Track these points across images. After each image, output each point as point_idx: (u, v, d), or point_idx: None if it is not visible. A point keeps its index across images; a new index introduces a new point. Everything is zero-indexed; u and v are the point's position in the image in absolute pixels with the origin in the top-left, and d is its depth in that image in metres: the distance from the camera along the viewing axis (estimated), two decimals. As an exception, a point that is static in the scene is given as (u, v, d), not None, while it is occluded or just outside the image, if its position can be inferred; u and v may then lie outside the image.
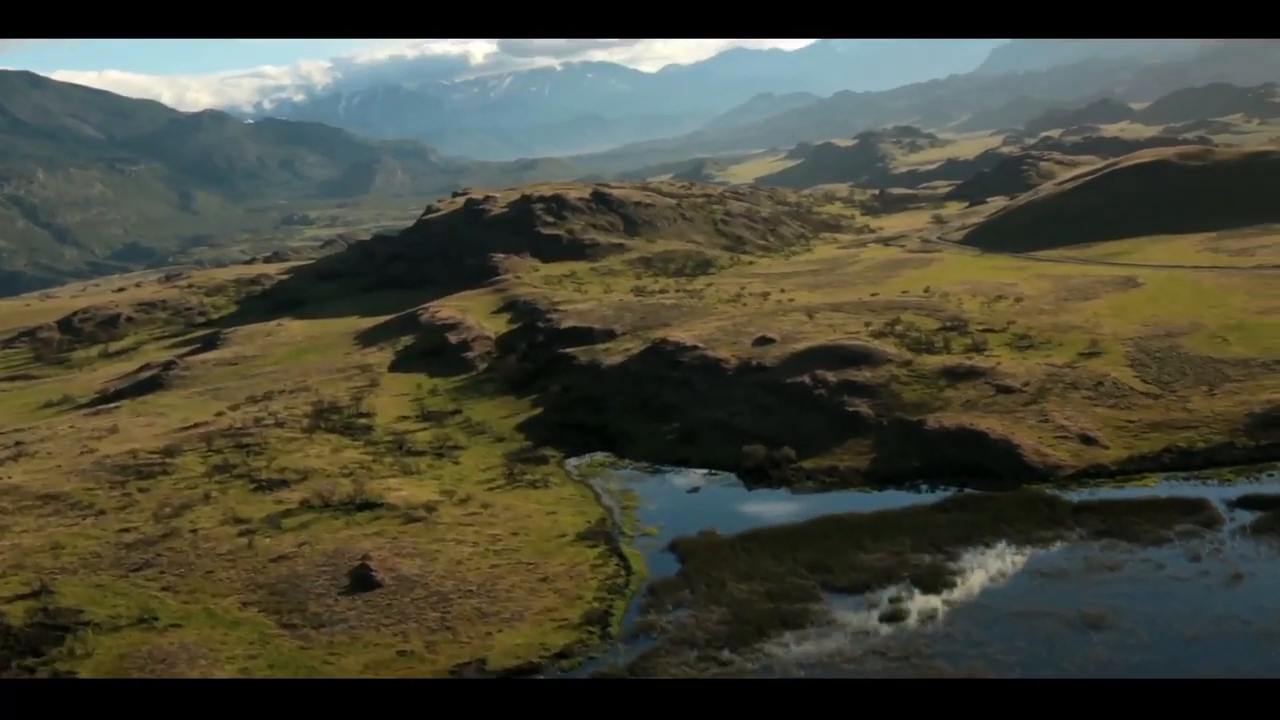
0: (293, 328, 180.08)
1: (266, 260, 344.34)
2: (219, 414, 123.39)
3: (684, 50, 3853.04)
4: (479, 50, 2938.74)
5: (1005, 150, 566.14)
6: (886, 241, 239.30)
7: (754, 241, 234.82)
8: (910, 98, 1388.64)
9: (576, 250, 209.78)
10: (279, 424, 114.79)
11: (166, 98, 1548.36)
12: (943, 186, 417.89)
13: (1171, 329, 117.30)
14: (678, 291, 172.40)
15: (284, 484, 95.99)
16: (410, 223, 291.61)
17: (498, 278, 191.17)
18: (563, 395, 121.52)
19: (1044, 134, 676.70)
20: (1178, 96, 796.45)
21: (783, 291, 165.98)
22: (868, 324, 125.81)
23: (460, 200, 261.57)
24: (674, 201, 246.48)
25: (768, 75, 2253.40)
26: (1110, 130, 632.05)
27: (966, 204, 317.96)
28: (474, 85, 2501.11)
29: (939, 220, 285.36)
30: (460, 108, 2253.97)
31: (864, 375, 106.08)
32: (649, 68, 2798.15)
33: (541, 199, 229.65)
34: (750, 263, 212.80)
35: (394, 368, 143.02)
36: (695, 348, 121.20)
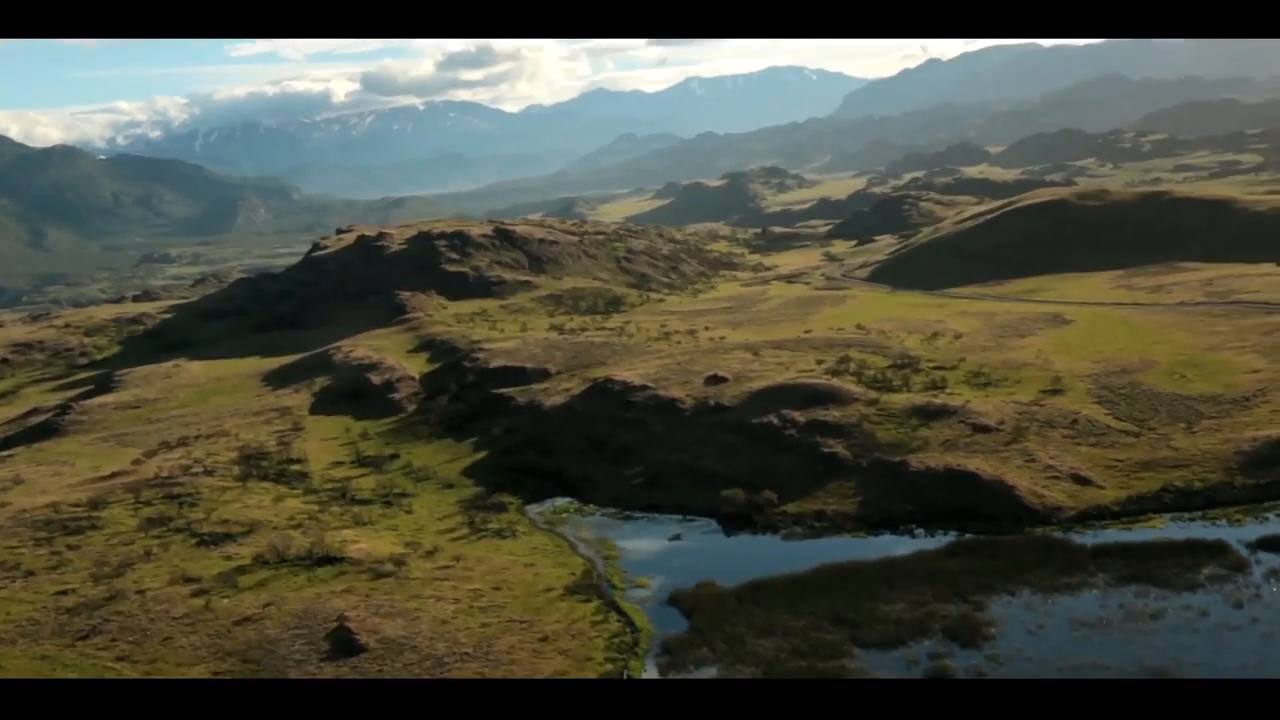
0: (192, 369, 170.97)
1: (136, 299, 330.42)
2: (136, 462, 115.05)
3: (546, 90, 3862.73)
4: (340, 88, 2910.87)
5: (877, 191, 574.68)
6: (789, 279, 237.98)
7: (658, 279, 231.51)
8: (770, 140, 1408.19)
9: (483, 288, 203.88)
10: (208, 472, 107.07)
11: (14, 132, 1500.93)
12: (821, 225, 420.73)
13: (1125, 366, 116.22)
14: (598, 329, 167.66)
15: (229, 538, 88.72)
16: (280, 261, 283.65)
17: (407, 316, 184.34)
18: (506, 438, 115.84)
19: (911, 175, 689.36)
20: (1030, 141, 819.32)
21: (706, 329, 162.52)
22: (820, 361, 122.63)
23: (351, 237, 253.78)
24: (576, 239, 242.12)
25: (629, 116, 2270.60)
26: (971, 172, 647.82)
27: (855, 242, 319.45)
28: (335, 123, 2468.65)
29: (831, 258, 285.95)
30: (321, 146, 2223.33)
31: (833, 415, 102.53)
32: (511, 108, 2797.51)
33: (443, 235, 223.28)
34: (660, 300, 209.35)
35: (315, 410, 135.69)
36: (645, 387, 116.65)
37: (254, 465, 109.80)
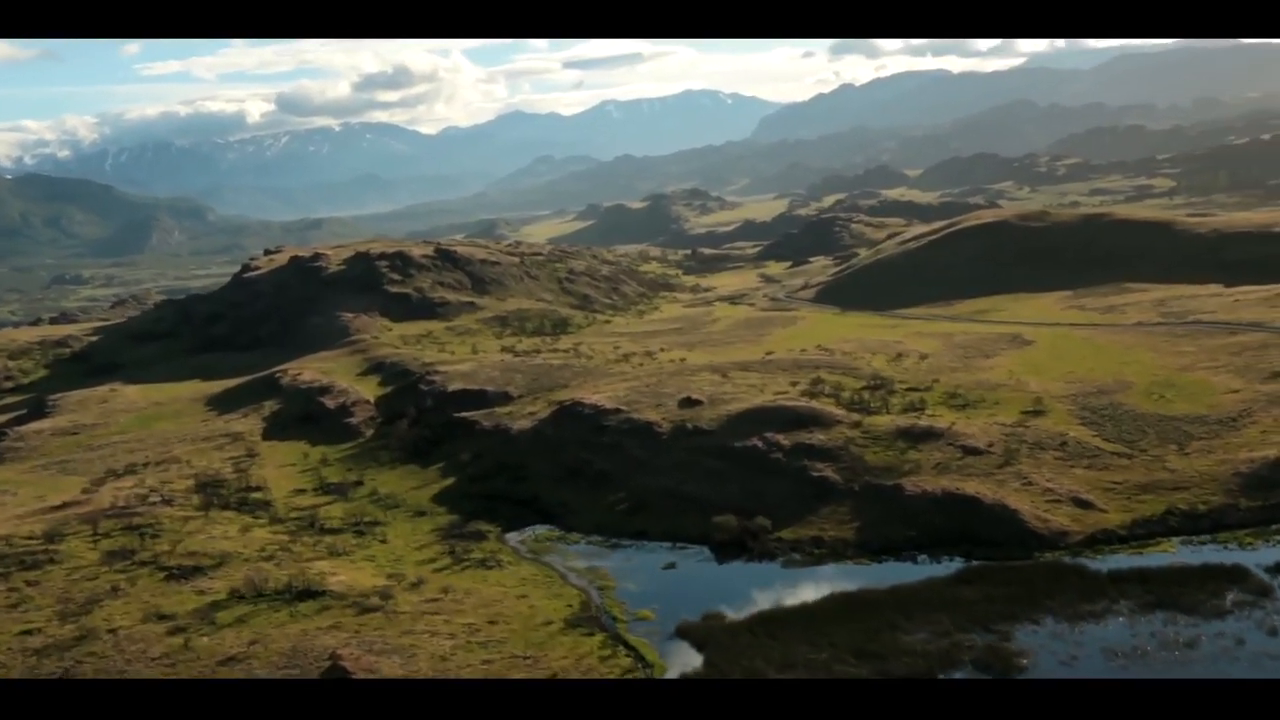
0: (129, 393, 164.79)
1: (54, 321, 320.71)
2: (86, 491, 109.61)
3: (463, 112, 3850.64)
4: (255, 109, 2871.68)
5: (801, 213, 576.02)
6: (731, 300, 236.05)
7: (601, 300, 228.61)
8: (688, 162, 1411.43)
9: (427, 309, 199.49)
10: (167, 501, 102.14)
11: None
12: (749, 247, 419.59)
13: (1100, 387, 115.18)
14: (551, 351, 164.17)
15: (199, 571, 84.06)
16: (197, 282, 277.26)
17: (352, 338, 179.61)
18: (474, 463, 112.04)
19: (832, 197, 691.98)
20: (947, 165, 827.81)
21: (663, 350, 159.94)
22: (794, 383, 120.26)
23: (283, 257, 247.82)
24: (517, 259, 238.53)
25: (546, 138, 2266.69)
26: (892, 194, 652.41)
27: (789, 264, 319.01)
28: (250, 144, 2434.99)
29: (768, 279, 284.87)
30: (236, 166, 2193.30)
31: (818, 438, 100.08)
32: (428, 129, 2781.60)
33: (384, 256, 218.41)
34: (606, 321, 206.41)
35: (268, 435, 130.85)
36: (617, 410, 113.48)
37: (213, 494, 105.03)
